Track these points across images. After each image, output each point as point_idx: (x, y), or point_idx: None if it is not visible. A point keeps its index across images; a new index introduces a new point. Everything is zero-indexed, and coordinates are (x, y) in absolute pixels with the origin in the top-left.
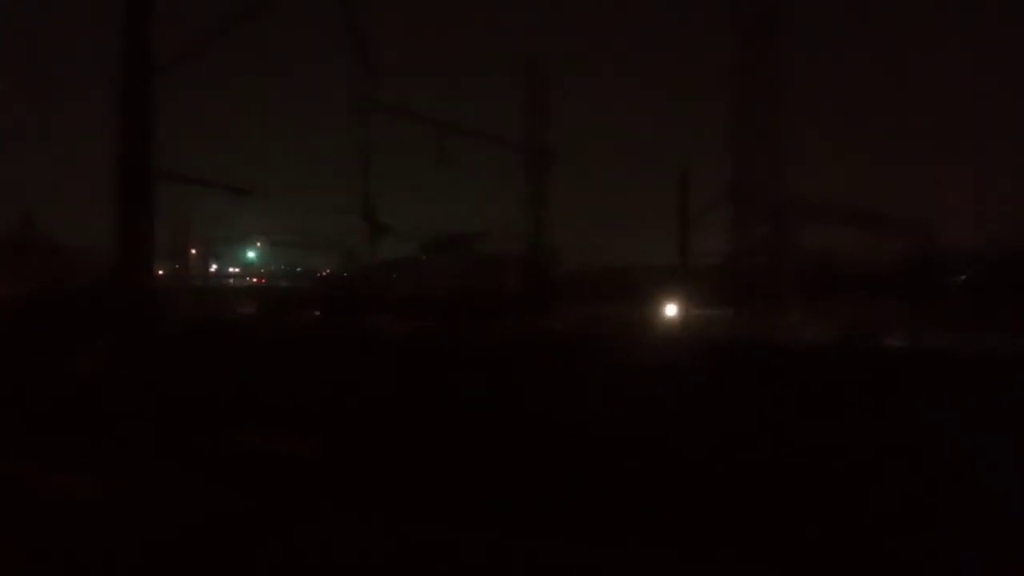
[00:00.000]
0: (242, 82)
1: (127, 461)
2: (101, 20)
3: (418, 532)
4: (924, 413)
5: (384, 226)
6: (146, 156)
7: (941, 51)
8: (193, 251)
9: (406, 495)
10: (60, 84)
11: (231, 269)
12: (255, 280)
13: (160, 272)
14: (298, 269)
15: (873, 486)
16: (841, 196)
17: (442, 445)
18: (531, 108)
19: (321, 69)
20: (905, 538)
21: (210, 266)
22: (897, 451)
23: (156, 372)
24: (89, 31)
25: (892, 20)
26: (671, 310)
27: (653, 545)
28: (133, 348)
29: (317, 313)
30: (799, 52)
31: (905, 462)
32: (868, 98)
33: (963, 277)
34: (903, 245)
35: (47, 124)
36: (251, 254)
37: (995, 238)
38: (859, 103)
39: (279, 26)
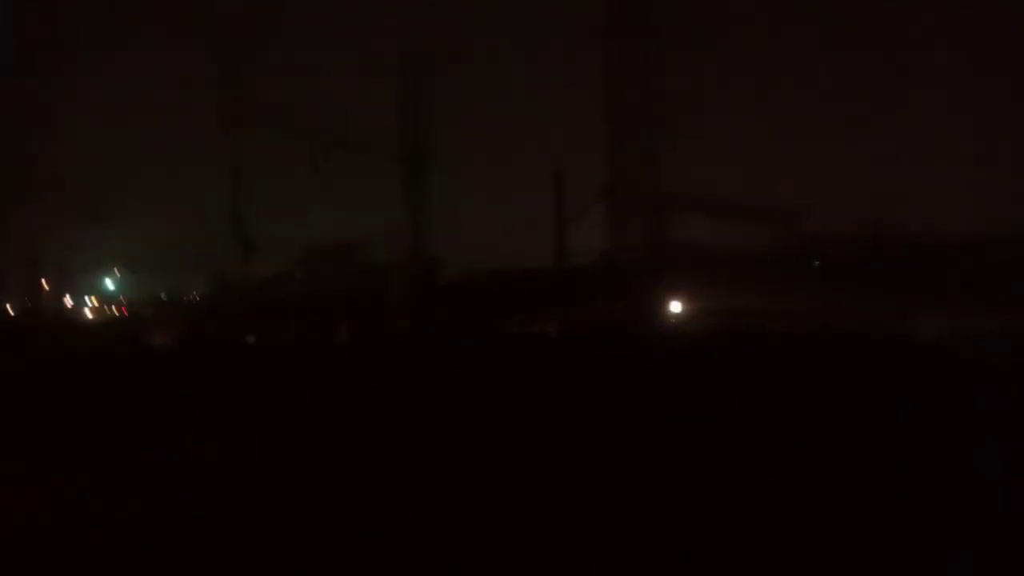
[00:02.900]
0: (96, 94)
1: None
2: None
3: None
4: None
5: (254, 242)
6: None
7: (815, 41)
8: (44, 283)
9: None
10: None
11: (88, 300)
12: (115, 310)
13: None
14: (162, 295)
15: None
16: (716, 189)
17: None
18: (408, 112)
19: (183, 79)
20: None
21: (64, 298)
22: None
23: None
24: None
25: (768, 14)
26: (676, 307)
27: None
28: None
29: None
30: (673, 48)
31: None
32: (746, 91)
33: (817, 263)
34: (772, 233)
35: None
36: (109, 283)
37: (864, 223)
38: (736, 97)
39: (138, 33)
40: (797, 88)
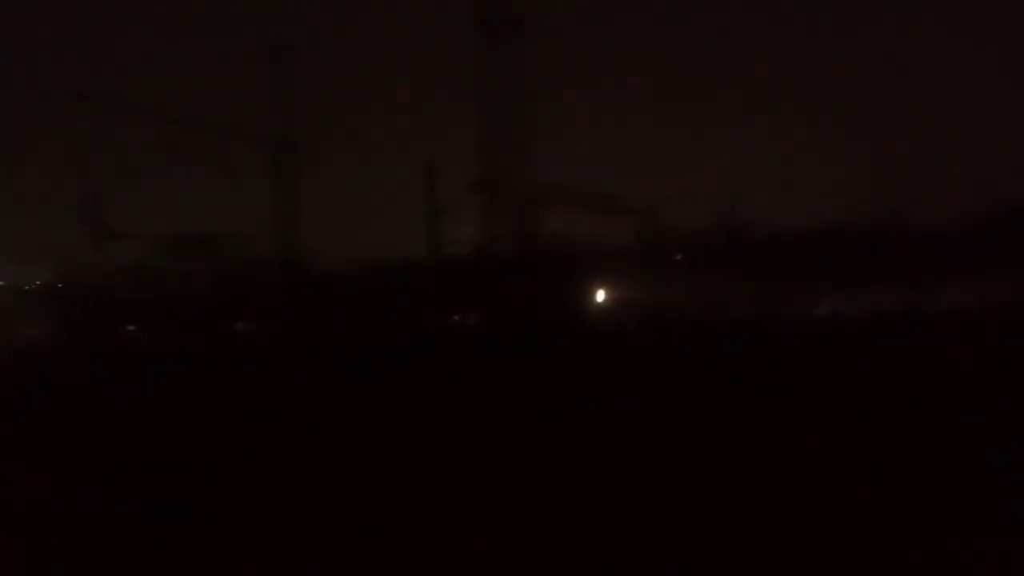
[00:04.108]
0: None
1: None
2: None
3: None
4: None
5: (110, 231)
6: None
7: (690, 39)
8: None
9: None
10: None
11: None
12: None
13: None
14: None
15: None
16: (583, 183)
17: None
18: (277, 101)
19: (30, 58)
20: None
21: None
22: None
23: None
24: None
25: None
26: (600, 295)
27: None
28: None
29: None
30: (543, 46)
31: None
32: (615, 88)
33: (679, 256)
34: (633, 226)
35: None
36: None
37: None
38: (606, 93)
39: None
40: (664, 86)
